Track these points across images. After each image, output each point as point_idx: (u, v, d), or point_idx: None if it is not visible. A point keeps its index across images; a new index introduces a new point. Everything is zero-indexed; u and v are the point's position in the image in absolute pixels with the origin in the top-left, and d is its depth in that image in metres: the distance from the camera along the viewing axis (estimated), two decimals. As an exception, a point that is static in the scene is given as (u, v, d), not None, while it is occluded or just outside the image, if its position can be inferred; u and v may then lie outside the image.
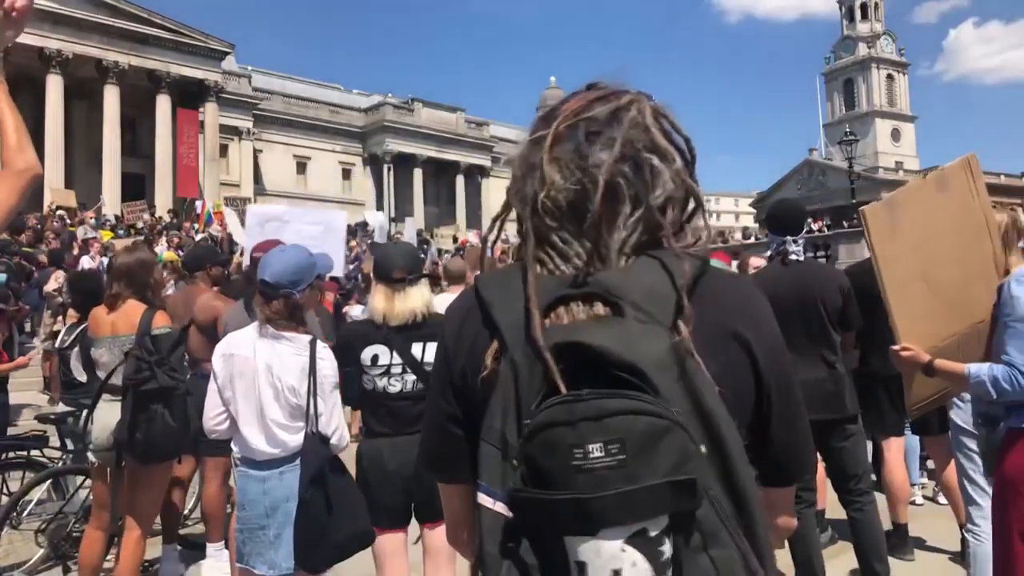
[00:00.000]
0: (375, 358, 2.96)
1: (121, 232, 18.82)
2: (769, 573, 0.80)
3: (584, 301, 0.87)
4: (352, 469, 2.93)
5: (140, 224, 20.76)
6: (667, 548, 0.74)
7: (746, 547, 0.77)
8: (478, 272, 1.04)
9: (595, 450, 0.73)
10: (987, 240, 2.62)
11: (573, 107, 0.97)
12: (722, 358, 0.88)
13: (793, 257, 3.60)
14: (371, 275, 3.56)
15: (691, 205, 0.99)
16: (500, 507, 0.82)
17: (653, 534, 0.73)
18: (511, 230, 1.05)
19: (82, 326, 4.78)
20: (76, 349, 4.77)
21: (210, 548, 4.48)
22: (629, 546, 0.73)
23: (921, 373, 2.58)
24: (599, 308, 0.86)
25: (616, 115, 0.95)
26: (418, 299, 2.97)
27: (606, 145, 0.92)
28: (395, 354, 2.95)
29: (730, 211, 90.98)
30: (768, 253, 3.85)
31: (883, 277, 2.51)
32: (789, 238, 3.63)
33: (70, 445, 5.08)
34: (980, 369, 2.38)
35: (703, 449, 0.77)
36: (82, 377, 4.64)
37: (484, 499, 0.84)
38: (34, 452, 5.12)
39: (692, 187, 0.97)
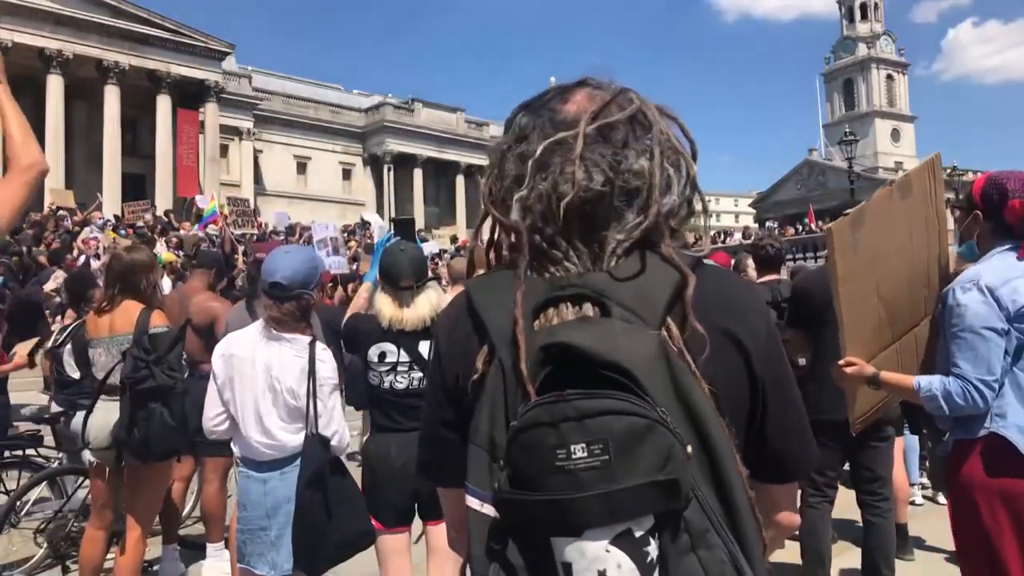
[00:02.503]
0: (382, 355, 2.97)
1: (122, 232, 18.82)
2: (757, 574, 0.79)
3: (573, 302, 0.86)
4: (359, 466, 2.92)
5: (140, 223, 20.70)
6: (652, 549, 0.74)
7: (735, 548, 0.77)
8: (482, 271, 1.03)
9: (578, 451, 0.72)
10: (936, 243, 2.55)
11: (586, 108, 0.96)
12: (714, 356, 0.87)
13: None
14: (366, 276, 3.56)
15: (696, 207, 0.99)
16: (488, 509, 0.82)
17: (638, 535, 0.73)
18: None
19: (74, 324, 4.79)
20: (68, 347, 4.77)
21: (210, 548, 4.48)
22: (614, 547, 0.73)
23: (866, 387, 2.45)
24: (588, 309, 0.85)
25: (634, 121, 0.95)
26: (426, 306, 2.97)
27: (640, 152, 0.93)
28: (402, 351, 2.96)
29: (730, 211, 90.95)
30: (824, 251, 3.84)
31: (839, 295, 2.40)
32: None
33: (65, 445, 5.08)
34: (931, 383, 2.24)
35: (690, 449, 0.76)
36: (75, 374, 4.63)
37: (472, 501, 0.85)
38: (29, 451, 5.12)
39: (700, 192, 0.98)
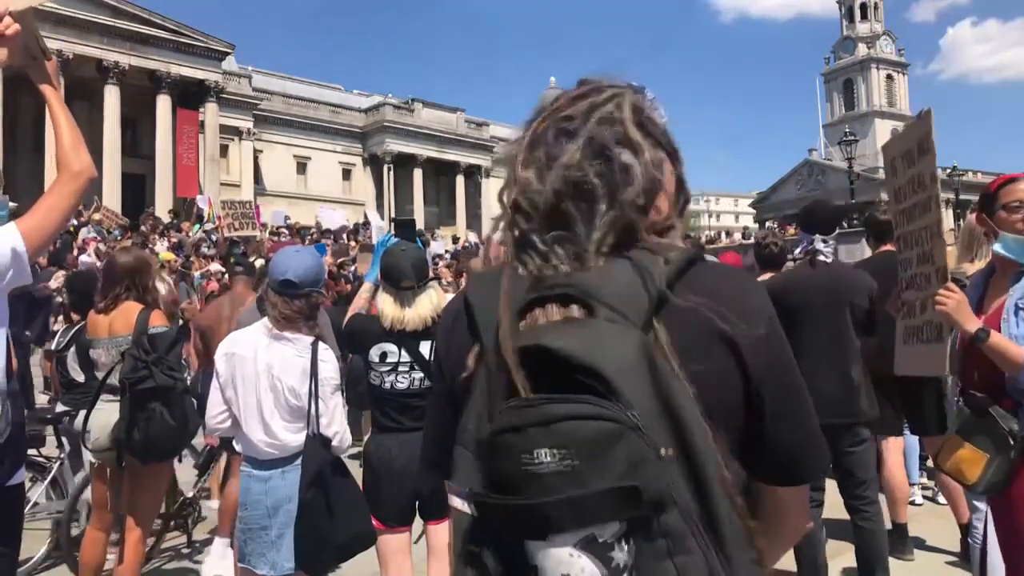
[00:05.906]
0: (384, 355, 2.98)
1: (116, 234, 18.80)
2: None
3: (560, 303, 0.85)
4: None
5: (143, 228, 20.57)
6: (620, 554, 0.73)
7: (712, 554, 0.76)
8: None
9: (544, 455, 0.72)
10: (936, 207, 2.58)
11: (555, 106, 0.96)
12: (704, 357, 0.85)
13: (821, 258, 3.55)
14: (365, 276, 3.57)
15: (681, 199, 0.98)
16: (469, 509, 0.82)
17: (603, 540, 0.72)
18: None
19: (76, 327, 4.79)
20: (72, 350, 4.77)
21: (217, 541, 4.47)
22: (577, 551, 0.72)
23: (963, 341, 2.36)
24: (574, 310, 0.84)
25: (592, 112, 0.93)
26: (427, 306, 2.98)
27: (610, 145, 0.91)
28: (403, 352, 2.97)
29: (730, 211, 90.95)
30: (797, 251, 3.81)
31: (895, 212, 2.52)
32: (818, 237, 3.57)
33: (67, 445, 5.08)
34: None
35: (663, 453, 0.74)
36: (79, 377, 4.64)
37: (456, 501, 0.85)
38: (30, 452, 5.11)
39: (666, 179, 0.95)
